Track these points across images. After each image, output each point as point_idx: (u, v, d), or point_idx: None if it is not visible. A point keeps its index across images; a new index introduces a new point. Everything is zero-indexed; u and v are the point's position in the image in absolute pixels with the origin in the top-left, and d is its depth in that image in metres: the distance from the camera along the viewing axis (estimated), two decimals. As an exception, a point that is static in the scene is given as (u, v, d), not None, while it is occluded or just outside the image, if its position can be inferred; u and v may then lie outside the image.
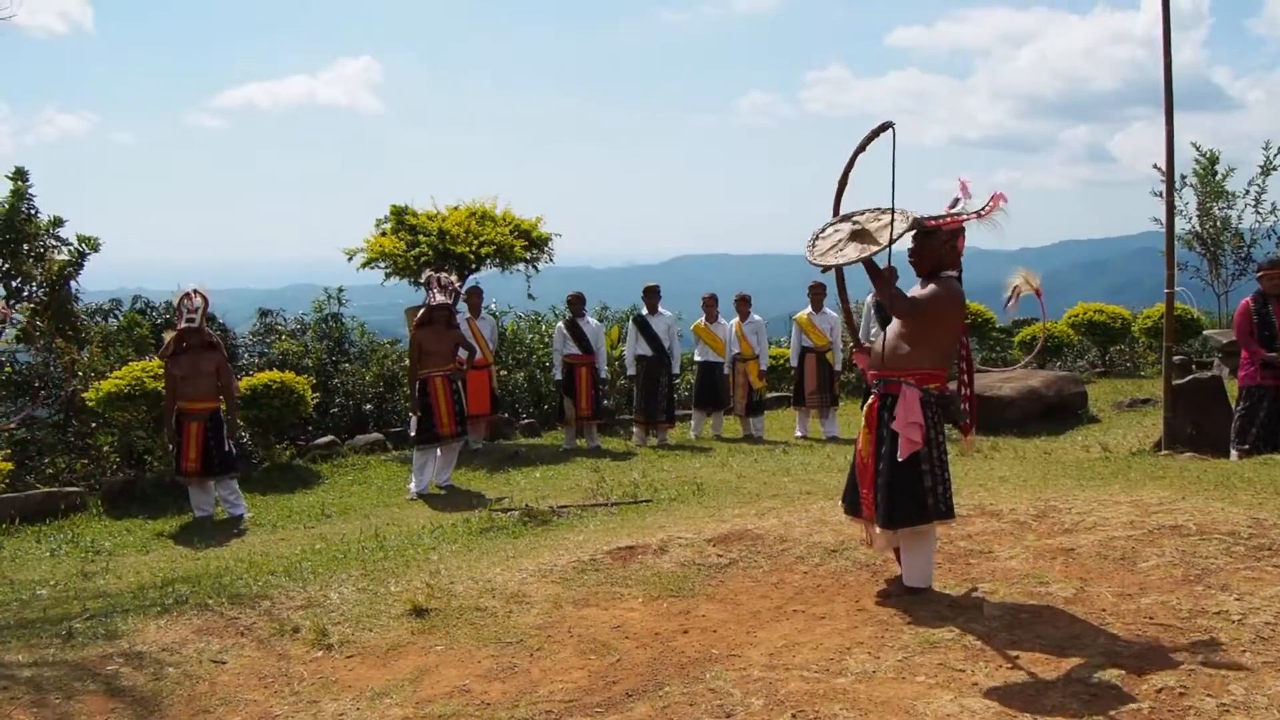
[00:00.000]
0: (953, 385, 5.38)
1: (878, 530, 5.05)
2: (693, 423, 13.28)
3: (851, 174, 5.08)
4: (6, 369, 13.24)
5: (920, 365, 4.97)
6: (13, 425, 11.91)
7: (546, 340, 14.89)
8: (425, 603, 5.41)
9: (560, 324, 12.79)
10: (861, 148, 4.96)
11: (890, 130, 4.87)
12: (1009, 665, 4.16)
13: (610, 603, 5.37)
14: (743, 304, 13.20)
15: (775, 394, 15.58)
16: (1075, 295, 19.62)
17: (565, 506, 8.05)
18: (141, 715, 4.36)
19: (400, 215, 14.10)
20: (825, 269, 4.99)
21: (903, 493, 4.93)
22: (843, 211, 5.13)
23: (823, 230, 5.15)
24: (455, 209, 14.07)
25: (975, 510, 6.49)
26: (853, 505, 5.27)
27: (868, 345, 5.41)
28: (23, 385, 12.90)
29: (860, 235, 4.89)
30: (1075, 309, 16.62)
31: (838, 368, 13.04)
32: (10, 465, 10.17)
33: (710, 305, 13.14)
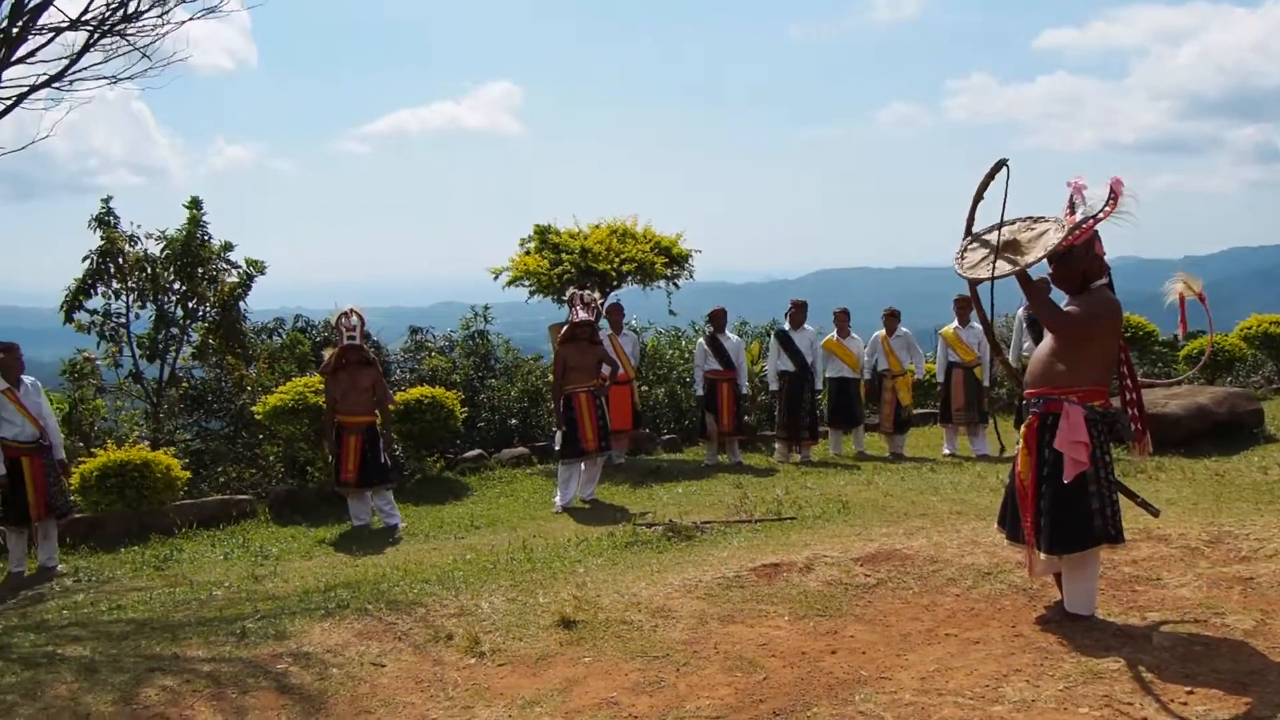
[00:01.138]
0: (1116, 401, 5.21)
1: (1040, 555, 4.93)
2: (830, 440, 13.18)
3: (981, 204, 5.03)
4: (184, 384, 14.03)
5: (1081, 382, 4.85)
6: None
7: (687, 356, 14.98)
8: (573, 614, 5.54)
9: (701, 340, 12.87)
10: (980, 193, 4.92)
11: (1005, 168, 4.83)
12: (1181, 701, 4.01)
13: (756, 620, 5.42)
14: (891, 318, 13.00)
15: (920, 410, 15.34)
16: (1246, 306, 18.73)
17: (708, 522, 8.12)
18: (309, 712, 4.60)
19: (544, 234, 14.42)
20: (976, 282, 4.95)
21: (1068, 515, 4.81)
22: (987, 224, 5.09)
23: (971, 243, 5.11)
24: (597, 227, 14.32)
25: (1141, 534, 6.31)
26: (1013, 530, 5.13)
27: (1021, 363, 5.34)
28: (197, 399, 13.64)
29: (1011, 247, 4.83)
30: (1249, 320, 15.84)
31: (986, 383, 12.77)
32: (188, 474, 10.75)
33: (841, 320, 13.03)
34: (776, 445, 12.94)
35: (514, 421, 14.25)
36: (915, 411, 14.40)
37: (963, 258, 5.04)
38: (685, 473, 11.87)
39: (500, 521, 9.89)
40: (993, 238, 4.95)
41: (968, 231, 5.10)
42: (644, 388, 14.41)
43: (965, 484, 9.61)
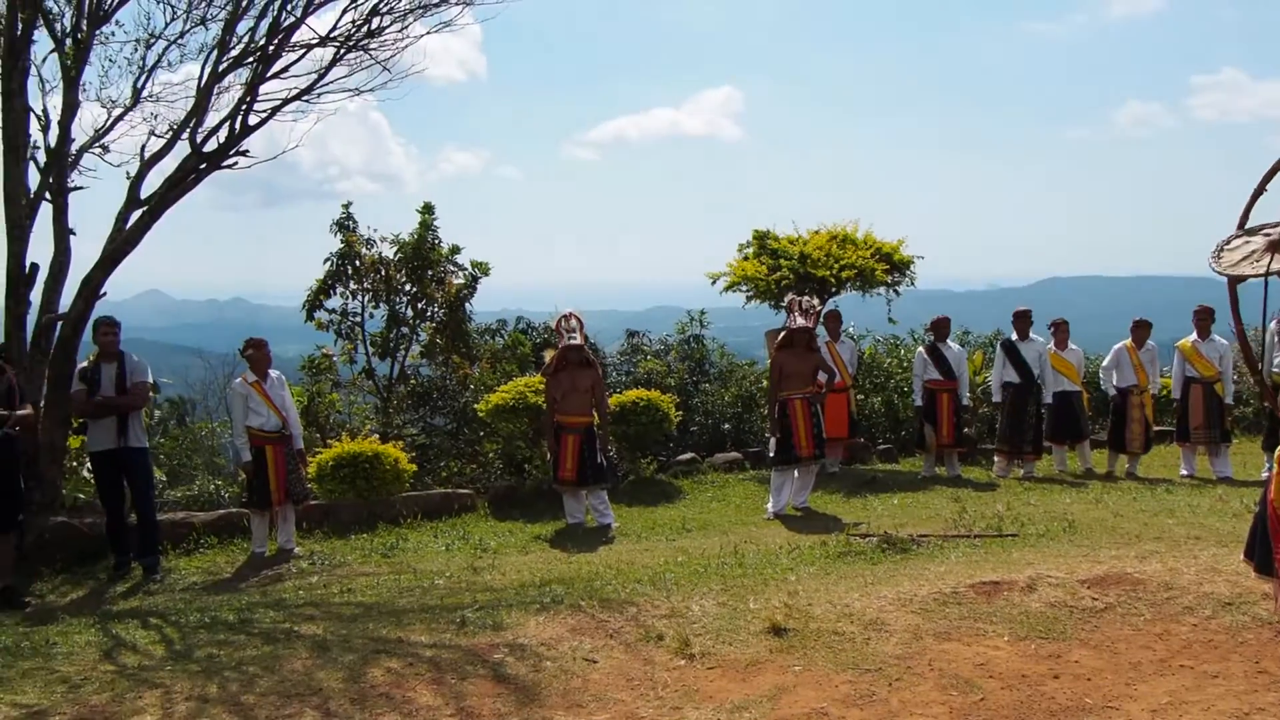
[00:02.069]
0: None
1: None
2: (1055, 456, 12.57)
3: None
4: (412, 381, 14.69)
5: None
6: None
7: (905, 365, 14.62)
8: (783, 622, 5.47)
9: (921, 349, 12.53)
10: (1260, 188, 4.53)
11: None
12: None
13: (973, 638, 5.21)
14: (1140, 329, 12.17)
15: (1158, 428, 14.46)
16: None
17: (925, 535, 7.87)
18: (523, 702, 4.69)
19: (762, 240, 14.36)
20: (1238, 280, 4.57)
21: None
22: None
23: (1228, 241, 4.74)
24: (816, 233, 14.16)
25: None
26: (1262, 562, 4.73)
27: (1274, 379, 4.91)
28: (424, 396, 14.26)
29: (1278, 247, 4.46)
30: None
31: (1229, 400, 11.89)
32: (414, 467, 11.23)
33: (1060, 331, 12.39)
34: (997, 459, 12.46)
35: (727, 426, 14.25)
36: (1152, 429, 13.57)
37: (1219, 256, 4.67)
38: (901, 484, 11.58)
39: (711, 525, 9.89)
40: (1259, 239, 4.56)
41: (1240, 228, 4.74)
42: (860, 396, 14.15)
43: (1204, 508, 8.98)
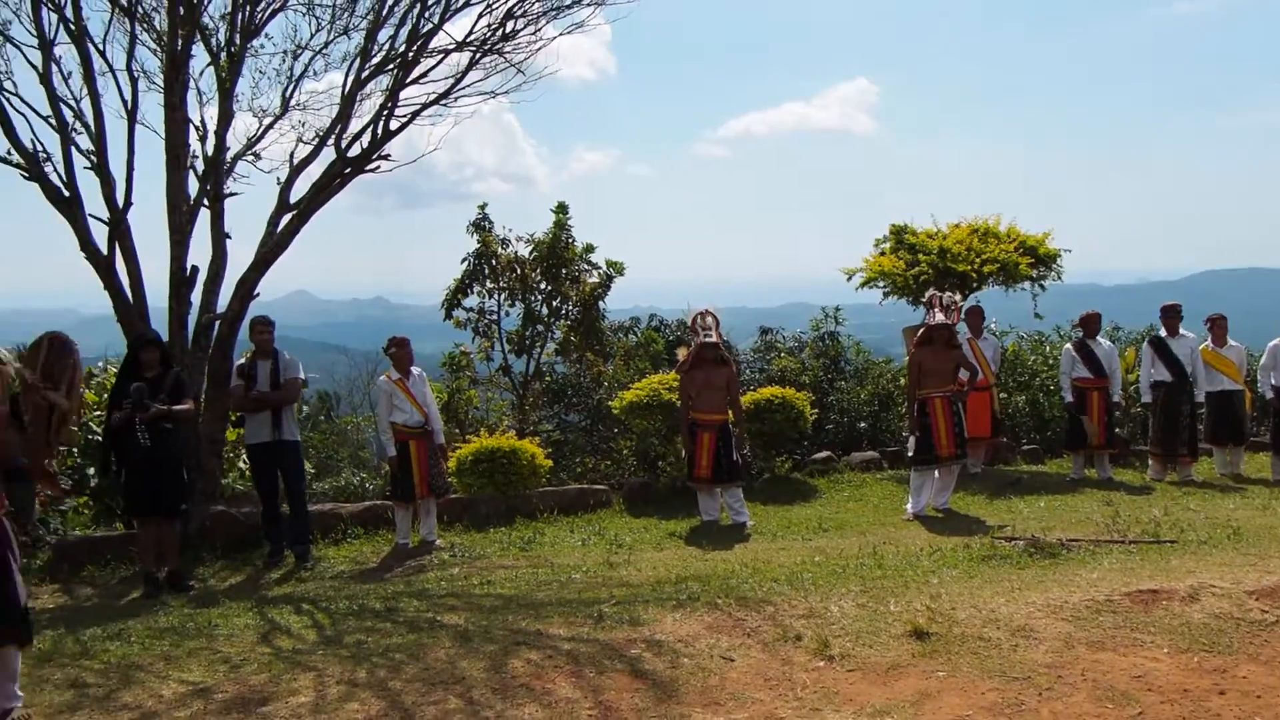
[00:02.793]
0: None
1: None
2: (1216, 459, 12.01)
3: None
4: (547, 378, 14.89)
5: None
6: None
7: (1051, 362, 14.19)
8: (926, 626, 5.35)
9: (1069, 345, 12.13)
10: None
11: None
12: None
13: (1129, 649, 5.01)
14: None
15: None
16: None
17: (1075, 540, 7.62)
18: (660, 699, 4.70)
19: (899, 234, 14.11)
20: None
21: None
22: None
23: None
24: (956, 226, 13.85)
25: None
26: None
27: None
28: (559, 393, 14.45)
29: None
30: None
31: None
32: (550, 463, 11.39)
33: (1218, 327, 11.81)
34: (1151, 462, 11.98)
35: (863, 425, 14.06)
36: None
37: None
38: (1048, 486, 11.22)
39: (849, 525, 9.77)
40: None
41: None
42: (1003, 395, 13.78)
43: (1382, 515, 8.48)
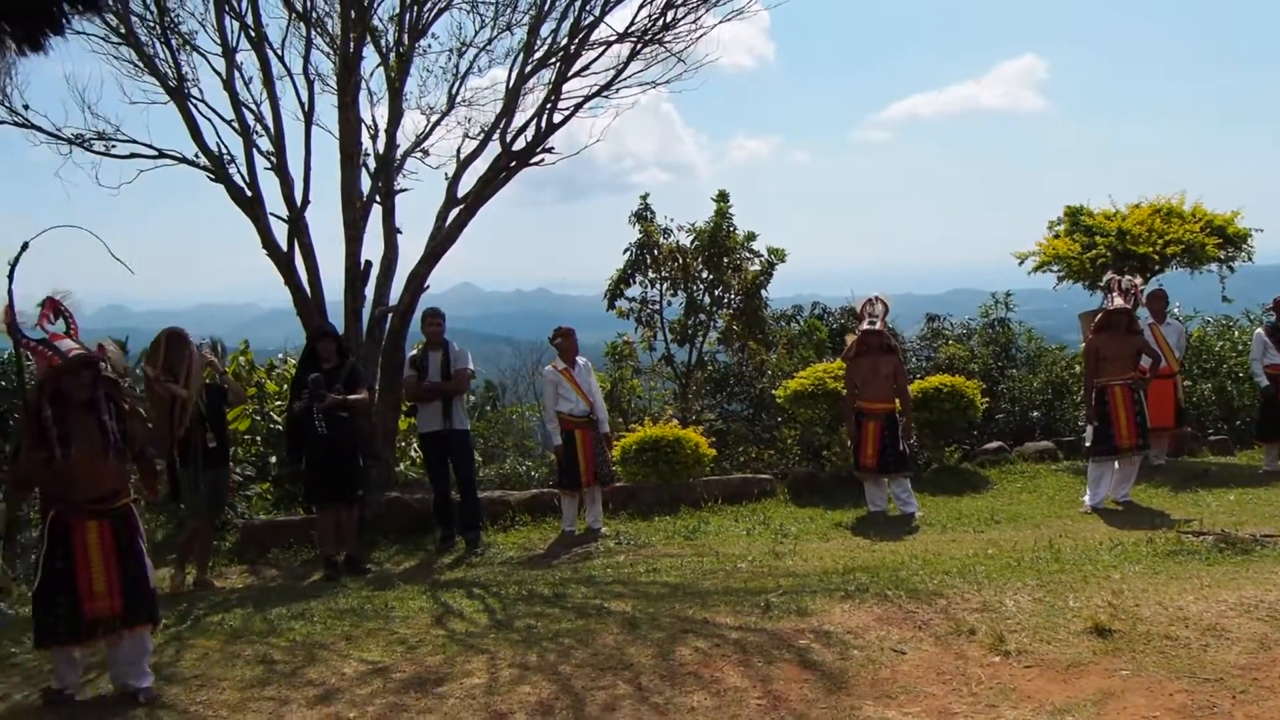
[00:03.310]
0: None
1: None
2: None
3: None
4: (709, 367, 14.90)
5: None
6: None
7: (1240, 349, 13.42)
8: (1108, 623, 5.15)
9: (1260, 330, 11.43)
10: None
11: None
12: None
13: (1332, 650, 4.71)
14: None
15: None
16: None
17: (1270, 536, 7.18)
18: (830, 689, 4.65)
19: (1075, 216, 13.57)
20: None
21: None
22: None
23: None
24: (1136, 207, 13.23)
25: None
26: None
27: None
28: (721, 382, 14.43)
29: None
30: None
31: None
32: (714, 452, 11.36)
33: None
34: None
35: (1036, 414, 13.59)
36: None
37: None
38: (1238, 478, 10.60)
39: (1022, 517, 9.46)
40: None
41: None
42: (1188, 382, 13.10)
43: None
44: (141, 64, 10.35)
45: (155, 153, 10.51)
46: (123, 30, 10.13)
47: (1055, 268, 13.25)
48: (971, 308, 15.59)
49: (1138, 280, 10.30)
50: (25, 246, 4.91)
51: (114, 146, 10.46)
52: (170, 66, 10.38)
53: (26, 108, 10.08)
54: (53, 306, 5.24)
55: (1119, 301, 9.57)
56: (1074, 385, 13.19)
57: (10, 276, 5.05)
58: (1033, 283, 14.01)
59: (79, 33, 9.94)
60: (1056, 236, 13.47)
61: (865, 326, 9.86)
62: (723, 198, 15.22)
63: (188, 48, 10.57)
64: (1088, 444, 9.77)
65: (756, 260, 15.28)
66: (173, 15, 10.45)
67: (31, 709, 5.16)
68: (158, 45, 10.38)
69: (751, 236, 15.26)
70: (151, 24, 10.37)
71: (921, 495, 10.47)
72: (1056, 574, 6.37)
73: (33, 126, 10.24)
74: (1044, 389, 13.71)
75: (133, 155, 10.50)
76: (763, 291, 15.23)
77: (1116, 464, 9.60)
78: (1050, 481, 11.17)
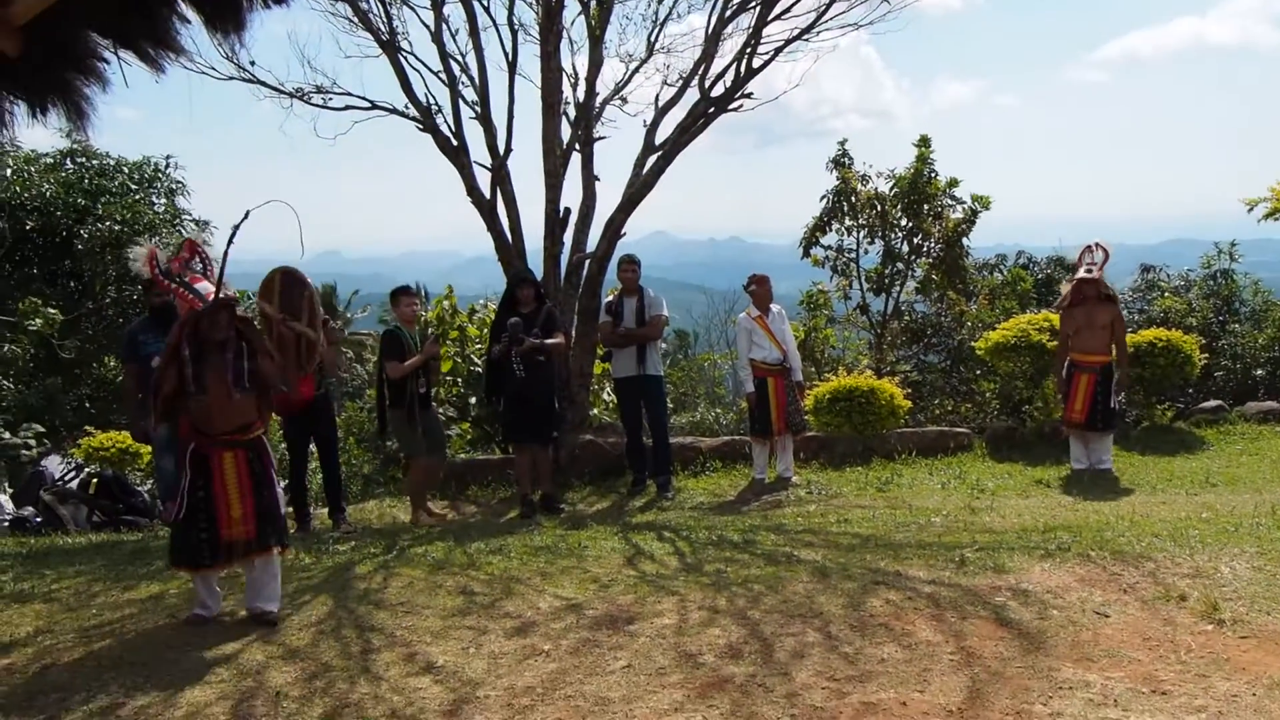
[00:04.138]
0: None
1: None
2: None
3: None
4: (906, 317, 14.57)
5: None
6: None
7: None
8: (1338, 595, 4.82)
9: None
10: None
11: None
12: None
13: None
14: None
15: None
16: None
17: None
18: (1027, 649, 4.53)
19: (1313, 160, 12.60)
20: None
21: None
22: None
23: None
24: (1384, 150, 12.19)
25: None
26: None
27: None
28: (918, 332, 14.10)
29: None
30: None
31: None
32: (909, 404, 11.13)
33: None
34: None
35: (1260, 372, 12.76)
36: None
37: None
38: None
39: (1241, 481, 8.93)
40: None
41: None
42: None
43: None
44: (356, 19, 10.76)
45: (368, 104, 10.96)
46: (340, -15, 10.55)
47: (1289, 215, 12.37)
48: (1190, 259, 14.72)
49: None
50: (246, 215, 5.16)
51: (330, 99, 10.95)
52: (382, 20, 10.75)
53: (253, 64, 10.61)
54: (190, 249, 5.53)
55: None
56: (1303, 343, 12.33)
57: (230, 240, 5.32)
58: (1261, 232, 13.11)
59: (301, -12, 10.42)
60: (1291, 182, 12.56)
61: (1082, 274, 9.42)
62: (924, 143, 14.75)
63: (399, 2, 10.93)
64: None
65: (959, 208, 14.78)
66: (385, -31, 10.82)
67: (177, 627, 5.52)
68: (372, 0, 10.77)
69: (954, 183, 14.76)
70: (366, -22, 10.75)
71: (1129, 454, 10.03)
72: (1278, 542, 6.00)
73: (258, 81, 10.75)
74: (1270, 345, 12.84)
75: (347, 107, 10.99)
76: (964, 240, 14.71)
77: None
78: (1275, 444, 10.48)
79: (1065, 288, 9.77)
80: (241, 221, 5.15)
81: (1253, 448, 10.38)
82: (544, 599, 5.63)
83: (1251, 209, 12.83)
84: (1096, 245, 9.52)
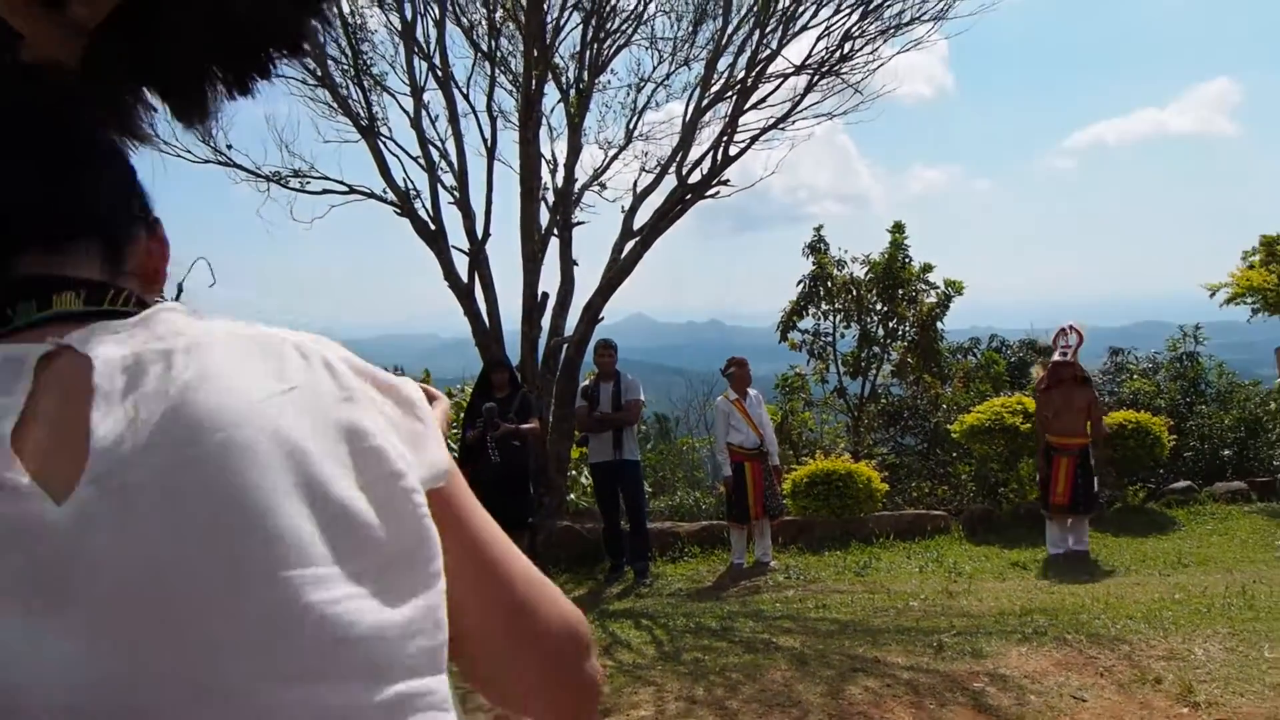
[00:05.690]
0: None
1: None
2: None
3: None
4: (882, 400, 14.71)
5: None
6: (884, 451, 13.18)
7: None
8: (1307, 675, 4.88)
9: None
10: None
11: None
12: None
13: None
14: None
15: None
16: None
17: None
18: (1006, 736, 4.55)
19: (1271, 246, 12.95)
20: None
21: None
22: None
23: None
24: (1341, 236, 12.52)
25: None
26: None
27: None
28: (894, 415, 14.22)
29: None
30: None
31: None
32: (886, 487, 11.20)
33: None
34: None
35: (1228, 452, 12.91)
36: None
37: None
38: None
39: (1212, 561, 9.01)
40: None
41: None
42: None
43: None
44: (335, 105, 10.96)
45: (346, 189, 11.12)
46: (319, 73, 10.72)
47: (1249, 300, 12.66)
48: (1158, 341, 14.96)
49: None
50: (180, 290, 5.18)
51: (308, 183, 11.11)
52: (362, 106, 10.96)
53: (230, 147, 10.74)
54: None
55: (1321, 336, 9.06)
56: (1269, 422, 12.51)
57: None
58: (1225, 315, 13.39)
59: (280, 76, 10.58)
60: (1251, 267, 12.88)
61: (1057, 358, 9.56)
62: (898, 229, 15.03)
63: (378, 88, 11.16)
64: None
65: (932, 292, 15.03)
66: (365, 58, 11.06)
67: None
68: (351, 87, 10.99)
69: (928, 268, 15.02)
70: (346, 66, 10.97)
71: (1103, 535, 10.09)
72: (1250, 622, 6.06)
73: (234, 165, 10.87)
74: (1236, 426, 13.02)
75: (325, 191, 11.14)
76: (938, 324, 14.94)
77: (1319, 508, 9.07)
78: (1243, 524, 10.58)
79: (1038, 371, 9.91)
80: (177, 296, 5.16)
81: (1222, 527, 10.48)
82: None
83: (1213, 294, 13.11)
84: (1070, 328, 9.67)
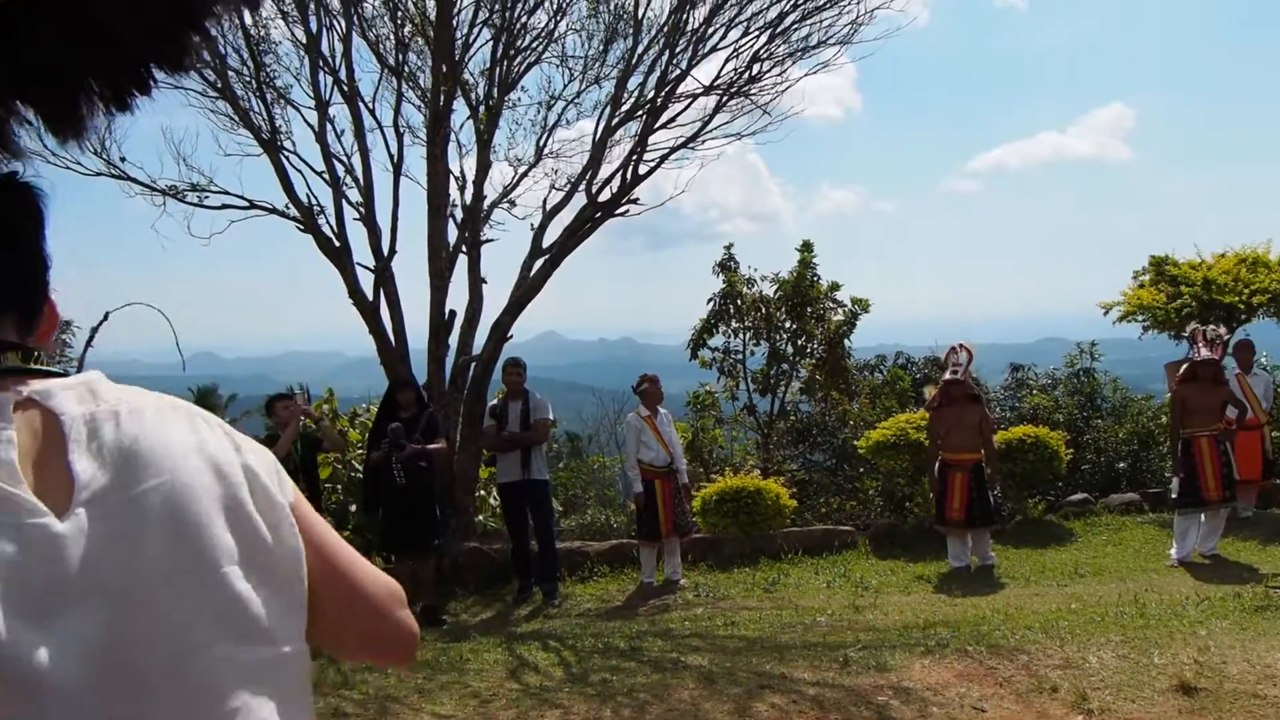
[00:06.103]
0: None
1: None
2: None
3: None
4: (791, 417, 14.86)
5: None
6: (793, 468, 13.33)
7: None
8: (1194, 680, 5.05)
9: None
10: None
11: None
12: None
13: None
14: None
15: None
16: None
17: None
18: (907, 749, 4.62)
19: (1160, 266, 13.41)
20: None
21: None
22: None
23: None
24: (1222, 257, 13.05)
25: None
26: None
27: None
28: (803, 432, 14.39)
29: None
30: None
31: None
32: (795, 503, 11.31)
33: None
34: None
35: (1122, 465, 13.32)
36: None
37: None
38: (1332, 532, 10.28)
39: (1107, 571, 9.29)
40: None
41: None
42: (1276, 433, 12.74)
43: None
44: (236, 117, 10.72)
45: (247, 204, 10.86)
46: (219, 85, 10.50)
47: (1140, 318, 13.11)
48: (1058, 357, 15.37)
49: (1222, 330, 10.13)
50: (106, 317, 5.04)
51: (207, 197, 10.83)
52: (264, 120, 10.76)
53: (123, 160, 10.38)
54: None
55: (1205, 352, 9.41)
56: (1160, 436, 12.93)
57: (88, 344, 5.17)
58: (1119, 332, 13.83)
59: (176, 87, 10.35)
60: (1141, 286, 13.33)
61: (948, 376, 9.79)
62: (807, 248, 15.23)
63: (282, 101, 10.98)
64: (1174, 496, 9.55)
65: (840, 310, 15.24)
66: (268, 70, 10.86)
67: None
68: (253, 99, 10.78)
69: (836, 286, 15.23)
70: (248, 79, 10.75)
71: (1004, 548, 10.33)
72: (1141, 630, 6.26)
73: (128, 178, 10.54)
74: (1129, 440, 13.44)
75: (224, 206, 10.86)
76: (846, 341, 15.15)
77: (1203, 516, 9.40)
78: (1136, 534, 10.93)
79: (930, 390, 10.13)
80: (100, 324, 5.03)
81: (1116, 538, 10.81)
82: (421, 718, 5.53)
83: (1107, 312, 13.53)
84: (960, 347, 9.91)
